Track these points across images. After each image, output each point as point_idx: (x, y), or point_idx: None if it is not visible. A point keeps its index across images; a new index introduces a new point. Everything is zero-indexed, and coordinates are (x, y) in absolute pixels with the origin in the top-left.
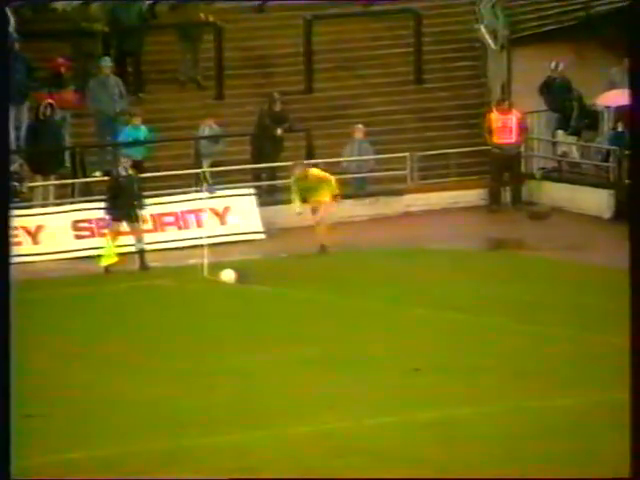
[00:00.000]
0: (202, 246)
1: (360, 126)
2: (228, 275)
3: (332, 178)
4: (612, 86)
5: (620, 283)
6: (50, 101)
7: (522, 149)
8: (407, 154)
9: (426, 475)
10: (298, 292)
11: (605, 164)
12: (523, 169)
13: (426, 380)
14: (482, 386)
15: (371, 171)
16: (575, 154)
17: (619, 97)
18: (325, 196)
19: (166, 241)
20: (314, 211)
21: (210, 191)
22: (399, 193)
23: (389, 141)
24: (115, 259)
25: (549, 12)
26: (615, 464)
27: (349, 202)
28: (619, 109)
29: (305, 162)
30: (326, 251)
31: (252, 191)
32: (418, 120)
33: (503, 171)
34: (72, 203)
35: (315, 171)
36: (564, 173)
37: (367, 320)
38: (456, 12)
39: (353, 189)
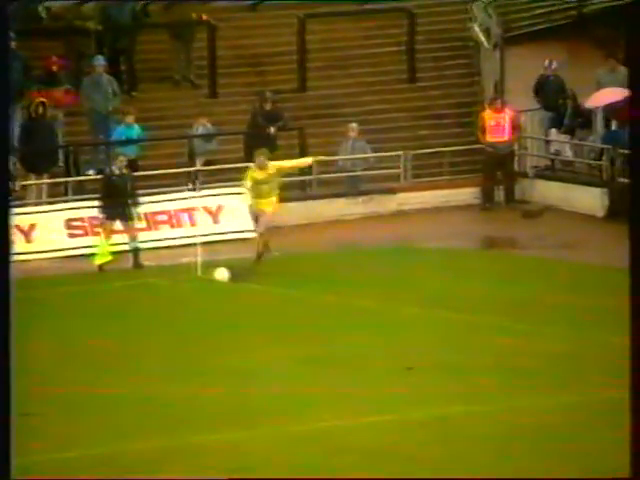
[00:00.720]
0: (195, 245)
1: (353, 125)
2: (221, 274)
3: (278, 181)
4: (599, 86)
5: (614, 281)
6: (42, 99)
7: (515, 147)
8: (400, 153)
9: (423, 474)
10: (291, 290)
11: (598, 163)
12: (516, 167)
13: (422, 379)
14: (478, 385)
15: (365, 169)
16: (568, 153)
17: (606, 96)
18: (269, 205)
19: (159, 240)
20: (256, 217)
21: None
22: (392, 192)
23: (382, 140)
24: (109, 258)
25: (542, 11)
26: (615, 464)
27: (342, 201)
28: (607, 107)
29: (265, 155)
30: (263, 257)
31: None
32: (411, 119)
33: (496, 169)
34: (65, 202)
35: (272, 167)
36: (557, 172)
37: (360, 319)
38: (449, 11)
39: (346, 187)
